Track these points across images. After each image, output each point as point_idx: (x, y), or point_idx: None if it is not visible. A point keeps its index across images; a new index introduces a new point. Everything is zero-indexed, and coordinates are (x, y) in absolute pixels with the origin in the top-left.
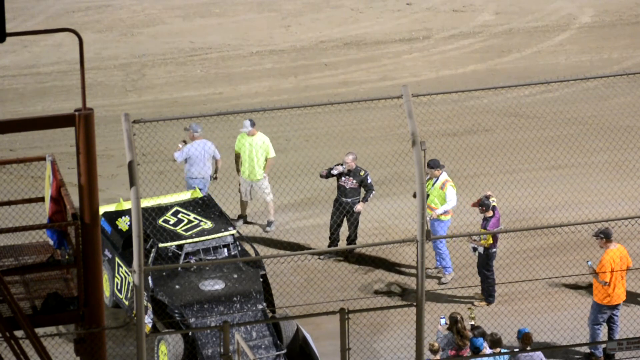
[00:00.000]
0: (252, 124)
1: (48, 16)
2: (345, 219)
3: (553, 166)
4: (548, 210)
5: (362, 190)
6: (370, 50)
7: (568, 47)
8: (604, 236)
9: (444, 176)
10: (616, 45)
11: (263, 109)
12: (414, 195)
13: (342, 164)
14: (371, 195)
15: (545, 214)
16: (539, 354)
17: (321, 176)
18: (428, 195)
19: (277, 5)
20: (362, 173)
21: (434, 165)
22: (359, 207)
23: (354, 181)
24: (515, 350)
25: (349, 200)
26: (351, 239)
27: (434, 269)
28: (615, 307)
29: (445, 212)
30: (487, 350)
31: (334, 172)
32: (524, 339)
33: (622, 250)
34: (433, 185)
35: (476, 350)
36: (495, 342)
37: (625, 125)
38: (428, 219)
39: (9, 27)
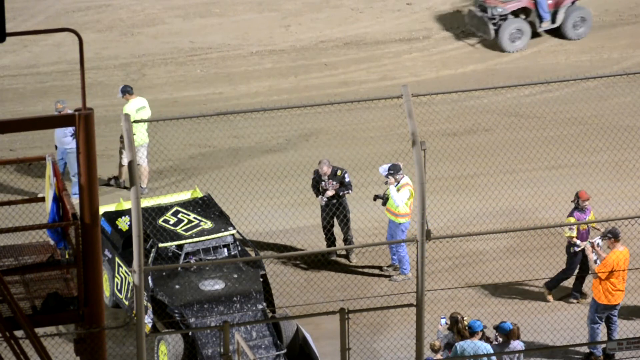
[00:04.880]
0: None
1: (48, 16)
2: (335, 220)
3: (553, 166)
4: (548, 210)
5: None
6: (370, 50)
7: (568, 47)
8: (612, 236)
9: (404, 179)
10: (616, 45)
11: (263, 109)
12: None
13: (324, 181)
14: (347, 192)
15: (545, 213)
16: (517, 343)
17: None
18: (388, 199)
19: (277, 5)
20: (339, 173)
21: (395, 170)
22: (329, 192)
23: (335, 183)
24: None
25: (334, 201)
26: (344, 239)
27: (388, 267)
28: (613, 307)
29: (403, 215)
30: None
31: (329, 193)
32: (511, 334)
33: (626, 254)
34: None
35: (470, 331)
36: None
37: (625, 125)
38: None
39: (9, 27)
